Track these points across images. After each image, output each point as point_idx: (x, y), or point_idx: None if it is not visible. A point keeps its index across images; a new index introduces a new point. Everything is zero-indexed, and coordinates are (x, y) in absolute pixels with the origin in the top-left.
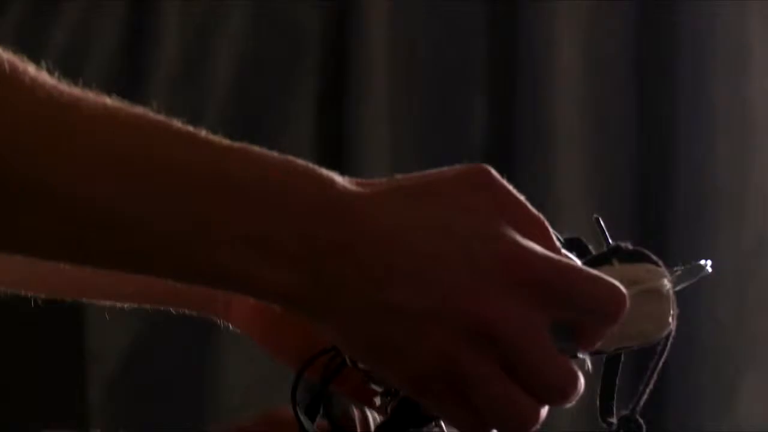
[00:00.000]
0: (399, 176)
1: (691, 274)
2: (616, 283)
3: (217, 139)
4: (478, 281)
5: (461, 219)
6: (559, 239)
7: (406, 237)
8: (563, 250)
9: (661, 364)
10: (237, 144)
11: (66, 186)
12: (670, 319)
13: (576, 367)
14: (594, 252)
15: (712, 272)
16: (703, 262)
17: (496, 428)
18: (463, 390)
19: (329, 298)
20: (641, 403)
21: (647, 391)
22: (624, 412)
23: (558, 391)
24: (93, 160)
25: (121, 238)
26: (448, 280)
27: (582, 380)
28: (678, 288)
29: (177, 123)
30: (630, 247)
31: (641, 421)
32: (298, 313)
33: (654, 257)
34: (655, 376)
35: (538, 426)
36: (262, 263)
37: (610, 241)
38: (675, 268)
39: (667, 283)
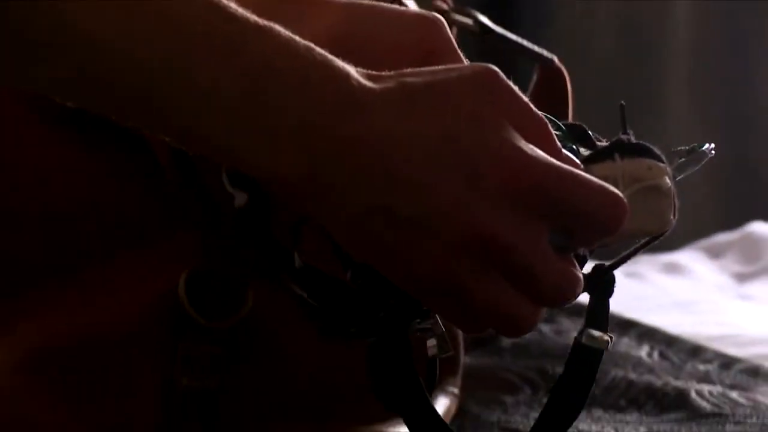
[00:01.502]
0: (408, 71)
1: (694, 161)
2: (616, 191)
3: (246, 15)
4: (475, 191)
5: (464, 126)
6: (561, 128)
7: (408, 143)
8: (564, 151)
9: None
10: (265, 23)
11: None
12: (672, 216)
13: (576, 269)
14: (595, 138)
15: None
16: (706, 146)
17: (494, 330)
18: (456, 296)
19: (325, 191)
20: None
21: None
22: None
23: (559, 293)
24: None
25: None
26: (445, 190)
27: (582, 280)
28: (682, 176)
29: None
30: (633, 140)
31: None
32: (288, 198)
33: (656, 151)
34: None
35: (531, 329)
36: (262, 142)
37: (627, 132)
38: (678, 157)
39: (668, 181)
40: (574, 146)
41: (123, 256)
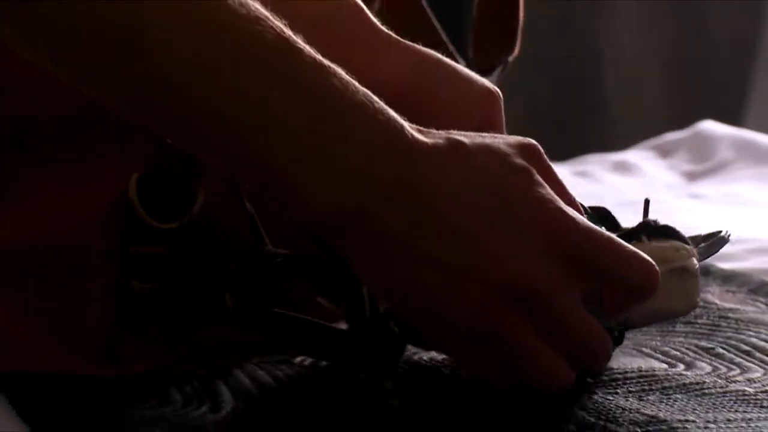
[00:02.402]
0: (454, 132)
1: (714, 247)
2: (649, 259)
3: (313, 54)
4: (520, 244)
5: (512, 182)
6: (586, 210)
7: (458, 194)
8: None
9: None
10: (329, 64)
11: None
12: (697, 297)
13: (605, 331)
14: (619, 222)
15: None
16: (723, 233)
17: (524, 383)
18: (494, 345)
19: (368, 233)
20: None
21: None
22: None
23: (588, 350)
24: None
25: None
26: (492, 239)
27: (611, 345)
28: (702, 261)
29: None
30: (659, 223)
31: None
32: (327, 235)
33: (682, 234)
34: None
35: (564, 387)
36: (318, 176)
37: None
38: (699, 244)
39: (695, 262)
40: (599, 226)
41: (74, 160)
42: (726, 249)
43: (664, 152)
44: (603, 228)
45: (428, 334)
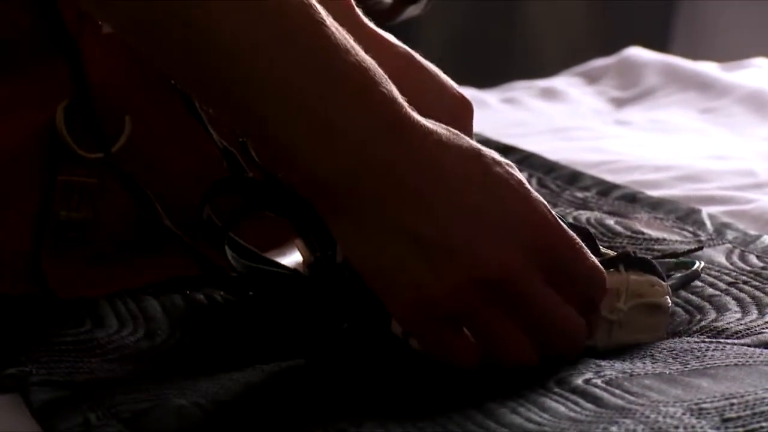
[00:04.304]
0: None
1: (687, 280)
2: (604, 272)
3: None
4: (506, 232)
5: (499, 171)
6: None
7: (453, 175)
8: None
9: None
10: (343, 40)
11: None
12: (664, 333)
13: (579, 316)
14: (599, 247)
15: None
16: (697, 265)
17: (494, 362)
18: (468, 324)
19: (360, 202)
20: None
21: None
22: None
23: (564, 333)
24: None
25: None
26: (476, 224)
27: (584, 328)
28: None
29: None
30: (638, 256)
31: None
32: (318, 204)
33: (659, 269)
34: None
35: (524, 365)
36: (320, 143)
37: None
38: (670, 271)
39: (668, 300)
40: None
41: (1, 84)
42: (652, 176)
43: (592, 79)
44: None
45: (395, 307)
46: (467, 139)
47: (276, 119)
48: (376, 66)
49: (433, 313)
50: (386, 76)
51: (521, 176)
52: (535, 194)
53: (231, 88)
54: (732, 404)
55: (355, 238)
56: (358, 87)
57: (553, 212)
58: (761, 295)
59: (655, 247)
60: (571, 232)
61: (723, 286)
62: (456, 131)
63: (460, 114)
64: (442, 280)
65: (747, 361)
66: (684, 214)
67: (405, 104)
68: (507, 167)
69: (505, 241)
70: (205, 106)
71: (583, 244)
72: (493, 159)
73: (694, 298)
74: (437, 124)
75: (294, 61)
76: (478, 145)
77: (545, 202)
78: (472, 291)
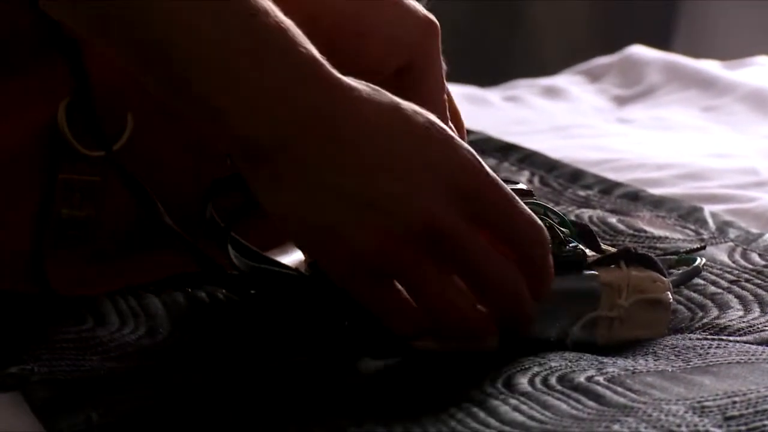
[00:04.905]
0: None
1: (688, 277)
2: (541, 224)
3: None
4: (431, 181)
5: (422, 122)
6: (570, 228)
7: (376, 127)
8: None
9: None
10: (263, 3)
11: None
12: (665, 329)
13: (517, 270)
14: (600, 243)
15: None
16: (698, 262)
17: (434, 325)
18: (401, 283)
19: (285, 162)
20: None
21: None
22: None
23: (502, 288)
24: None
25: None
26: (400, 175)
27: (525, 290)
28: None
29: None
30: (639, 252)
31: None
32: (241, 165)
33: (660, 265)
34: None
35: (478, 330)
36: (239, 102)
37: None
38: (671, 267)
39: (669, 296)
40: (580, 245)
41: (1, 83)
42: (654, 174)
43: (594, 77)
44: (582, 246)
45: (330, 267)
46: (388, 94)
47: (199, 80)
48: (295, 26)
49: (364, 269)
50: (305, 36)
51: (446, 127)
52: (462, 143)
53: (153, 51)
54: (734, 402)
55: (280, 196)
56: (279, 48)
57: (479, 158)
58: (763, 293)
59: (658, 245)
60: (503, 184)
61: (725, 284)
62: (377, 87)
63: (424, 33)
64: (369, 235)
65: (749, 359)
66: (686, 212)
67: (325, 62)
68: (429, 117)
69: (430, 190)
70: (127, 64)
71: (517, 198)
72: (414, 111)
73: (696, 295)
74: (359, 81)
75: (218, 26)
76: (399, 99)
77: (473, 151)
78: (401, 244)
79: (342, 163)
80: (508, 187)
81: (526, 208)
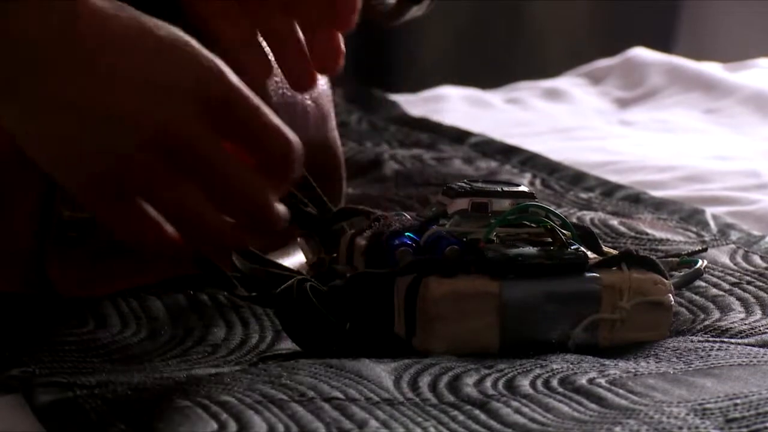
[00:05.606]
0: None
1: (690, 279)
2: (293, 137)
3: None
4: (167, 90)
5: (163, 35)
6: (572, 231)
7: (110, 46)
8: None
9: None
10: None
11: None
12: (667, 331)
13: (262, 180)
14: (601, 246)
15: None
16: (699, 264)
17: (184, 241)
18: (143, 196)
19: (25, 85)
20: None
21: None
22: None
23: (244, 197)
24: None
25: None
26: (143, 89)
27: (269, 200)
28: (676, 293)
29: None
30: (640, 254)
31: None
32: None
33: (661, 267)
34: None
35: (224, 238)
36: None
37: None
38: (672, 270)
39: (671, 298)
40: (581, 247)
41: None
42: (656, 176)
43: (595, 79)
44: (583, 248)
45: (69, 185)
46: (132, 9)
47: None
48: None
49: (105, 187)
50: None
51: (189, 38)
52: (208, 54)
53: None
54: (736, 404)
55: (23, 121)
56: None
57: (226, 67)
58: (765, 295)
59: (659, 247)
60: (250, 94)
61: (726, 286)
62: (122, 4)
63: None
64: (111, 152)
65: (751, 361)
66: (688, 214)
67: None
68: (172, 30)
69: (170, 101)
70: None
71: (265, 106)
72: (157, 25)
73: (697, 298)
74: None
75: None
76: (141, 14)
77: (220, 62)
78: (140, 158)
79: (79, 82)
80: (257, 98)
81: (275, 117)
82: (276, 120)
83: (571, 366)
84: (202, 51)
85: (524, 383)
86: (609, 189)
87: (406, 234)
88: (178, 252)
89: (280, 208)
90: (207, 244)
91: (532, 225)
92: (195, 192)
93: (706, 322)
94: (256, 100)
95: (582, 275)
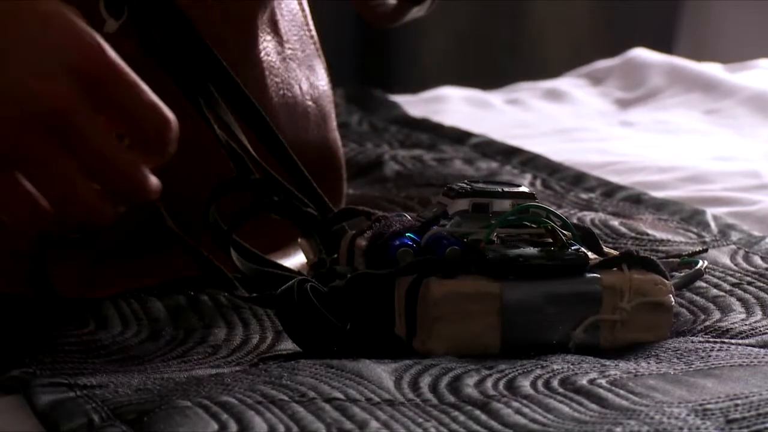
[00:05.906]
0: None
1: (690, 280)
2: (169, 114)
3: None
4: (42, 64)
5: (45, 8)
6: (573, 231)
7: None
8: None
9: None
10: None
11: None
12: (668, 331)
13: (134, 155)
14: (602, 246)
15: None
16: (700, 264)
17: (58, 217)
18: (18, 168)
19: None
20: None
21: None
22: None
23: (118, 174)
24: None
25: None
26: (19, 62)
27: (140, 175)
28: (677, 294)
29: None
30: (641, 255)
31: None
32: None
33: (661, 268)
34: None
35: (98, 215)
36: None
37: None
38: (673, 270)
39: (671, 299)
40: (582, 248)
41: None
42: (657, 177)
43: (596, 80)
44: (584, 249)
45: None
46: None
47: None
48: None
49: None
50: None
51: (69, 11)
52: (87, 29)
53: None
54: (737, 405)
55: None
56: None
57: (104, 43)
58: (765, 296)
59: (660, 248)
60: (127, 69)
61: (727, 287)
62: None
63: None
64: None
65: (752, 362)
66: (688, 215)
67: None
68: (51, 3)
69: (46, 74)
70: None
71: (141, 82)
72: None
73: (698, 298)
74: None
75: None
76: None
77: (98, 37)
78: (17, 131)
79: None
80: (133, 73)
81: (151, 93)
82: (152, 96)
83: (571, 366)
84: (80, 25)
85: (525, 384)
86: (609, 189)
87: (407, 235)
88: (50, 226)
89: (153, 180)
90: (78, 216)
91: (533, 226)
92: (70, 164)
93: (707, 323)
94: (133, 76)
95: (583, 276)
